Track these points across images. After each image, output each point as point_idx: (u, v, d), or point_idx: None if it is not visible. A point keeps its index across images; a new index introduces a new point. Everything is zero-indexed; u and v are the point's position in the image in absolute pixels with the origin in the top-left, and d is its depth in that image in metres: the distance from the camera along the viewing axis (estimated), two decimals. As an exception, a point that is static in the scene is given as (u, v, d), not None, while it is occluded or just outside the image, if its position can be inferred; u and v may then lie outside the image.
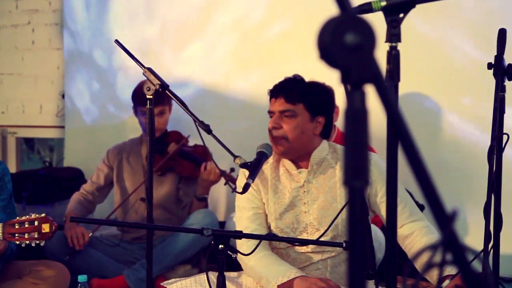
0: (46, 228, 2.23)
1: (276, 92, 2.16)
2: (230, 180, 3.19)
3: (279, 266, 2.05)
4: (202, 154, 3.36)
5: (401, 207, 2.07)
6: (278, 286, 1.99)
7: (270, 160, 2.23)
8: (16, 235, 2.24)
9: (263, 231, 2.17)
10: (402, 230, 2.10)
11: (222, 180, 3.26)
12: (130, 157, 3.44)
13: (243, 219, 2.20)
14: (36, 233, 2.23)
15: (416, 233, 2.09)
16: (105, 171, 3.44)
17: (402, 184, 2.05)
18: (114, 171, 3.43)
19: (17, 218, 2.27)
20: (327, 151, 2.21)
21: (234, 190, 3.17)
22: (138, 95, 3.32)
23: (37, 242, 2.24)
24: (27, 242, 2.24)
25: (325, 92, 2.20)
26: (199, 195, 3.32)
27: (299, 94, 2.12)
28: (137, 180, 3.40)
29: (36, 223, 2.24)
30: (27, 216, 2.27)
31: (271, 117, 2.18)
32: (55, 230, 2.25)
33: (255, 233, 2.13)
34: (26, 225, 2.24)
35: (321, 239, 2.09)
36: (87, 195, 3.41)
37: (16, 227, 2.24)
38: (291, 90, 2.13)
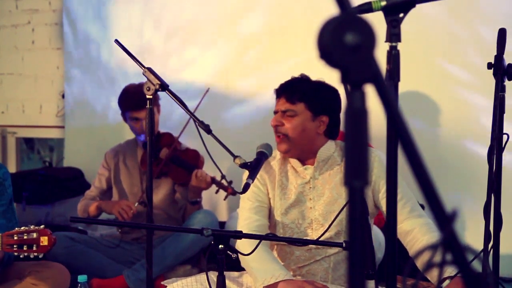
0: (44, 241, 2.22)
1: (279, 92, 2.23)
2: (221, 187, 3.22)
3: (271, 265, 2.05)
4: (194, 159, 3.36)
5: (402, 203, 2.09)
6: (264, 287, 2.00)
7: (278, 156, 2.26)
8: (15, 246, 2.23)
9: (264, 222, 2.20)
10: (403, 226, 2.11)
11: (214, 188, 3.28)
12: (126, 159, 3.44)
13: (246, 209, 2.22)
14: (34, 245, 2.22)
15: (417, 230, 2.09)
16: (106, 174, 3.44)
17: (404, 181, 2.05)
18: (111, 172, 3.43)
19: (16, 228, 2.26)
20: (333, 149, 2.24)
21: (226, 197, 3.22)
22: (123, 100, 3.32)
23: (36, 254, 2.24)
24: (25, 254, 2.24)
25: (329, 92, 2.22)
26: (191, 198, 3.32)
27: (300, 94, 2.16)
28: (134, 181, 3.40)
29: (34, 235, 2.23)
30: (26, 228, 2.25)
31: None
32: (54, 243, 2.24)
33: (256, 223, 2.18)
34: (25, 237, 2.23)
35: (326, 234, 2.11)
36: (94, 199, 3.42)
37: (15, 238, 2.23)
38: (292, 90, 2.18)
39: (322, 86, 2.22)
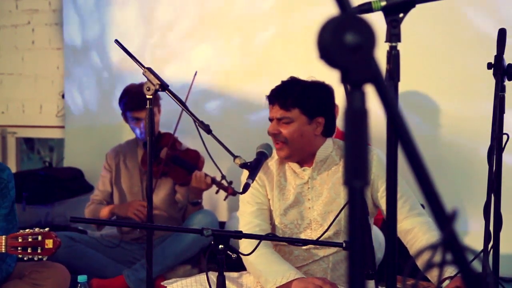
0: (49, 244, 2.22)
1: (271, 99, 2.18)
2: (221, 188, 3.23)
3: (280, 266, 2.05)
4: (194, 159, 3.36)
5: (401, 202, 2.08)
6: (276, 287, 2.00)
7: (276, 156, 2.24)
8: (19, 248, 2.22)
9: (265, 226, 2.19)
10: (403, 225, 2.11)
11: (214, 188, 3.28)
12: (126, 159, 3.44)
13: (246, 213, 2.21)
14: (39, 248, 2.22)
15: (417, 229, 2.09)
16: (109, 176, 3.44)
17: (403, 179, 2.05)
18: (113, 173, 3.43)
19: (21, 231, 2.26)
20: (331, 149, 2.22)
21: (226, 197, 3.23)
22: (124, 100, 3.31)
23: (40, 257, 2.23)
24: (30, 256, 2.23)
25: (321, 92, 2.18)
26: (191, 200, 3.33)
27: (293, 100, 2.12)
28: (134, 182, 3.40)
29: (39, 238, 2.22)
30: (30, 230, 2.25)
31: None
32: (59, 246, 2.24)
33: (257, 228, 2.16)
34: (30, 239, 2.22)
35: (325, 234, 2.10)
36: (101, 203, 3.41)
37: (19, 240, 2.23)
38: (285, 96, 2.13)
39: (314, 87, 2.17)
